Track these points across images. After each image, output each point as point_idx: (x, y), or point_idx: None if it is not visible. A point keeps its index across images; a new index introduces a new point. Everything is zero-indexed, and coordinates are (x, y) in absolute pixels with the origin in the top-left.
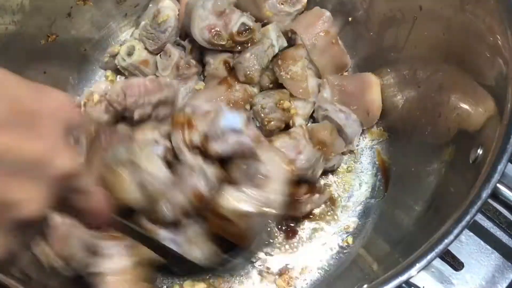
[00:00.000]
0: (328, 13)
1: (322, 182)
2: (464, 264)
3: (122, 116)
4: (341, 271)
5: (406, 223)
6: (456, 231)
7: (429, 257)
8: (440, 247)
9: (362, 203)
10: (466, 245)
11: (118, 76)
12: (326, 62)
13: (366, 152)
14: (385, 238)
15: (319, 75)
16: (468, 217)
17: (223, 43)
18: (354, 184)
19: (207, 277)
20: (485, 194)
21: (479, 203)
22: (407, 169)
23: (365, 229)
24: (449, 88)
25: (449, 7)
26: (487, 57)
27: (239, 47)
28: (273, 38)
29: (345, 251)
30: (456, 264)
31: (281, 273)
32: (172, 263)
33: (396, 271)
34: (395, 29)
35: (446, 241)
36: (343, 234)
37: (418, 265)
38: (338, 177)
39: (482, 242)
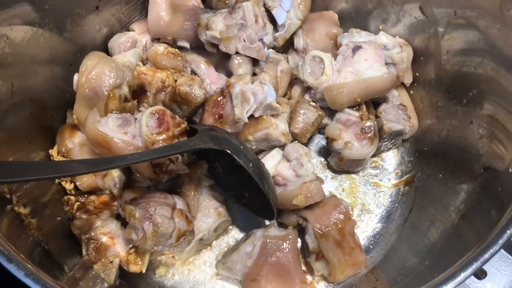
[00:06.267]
0: (345, 203)
1: (347, 182)
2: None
3: None
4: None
5: (433, 231)
6: (501, 241)
7: (474, 265)
8: (492, 250)
9: (385, 206)
10: None
11: None
12: (339, 257)
13: (390, 155)
14: (410, 247)
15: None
16: None
17: None
18: (377, 186)
19: None
20: None
21: None
22: (433, 175)
23: (387, 234)
24: (483, 93)
25: (486, 13)
26: None
27: None
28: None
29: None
30: (479, 272)
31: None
32: None
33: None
34: (427, 34)
35: (492, 250)
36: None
37: (463, 274)
38: (361, 178)
39: (503, 251)
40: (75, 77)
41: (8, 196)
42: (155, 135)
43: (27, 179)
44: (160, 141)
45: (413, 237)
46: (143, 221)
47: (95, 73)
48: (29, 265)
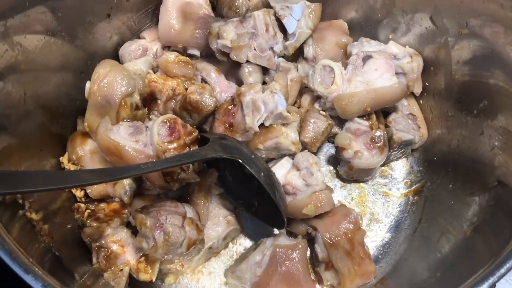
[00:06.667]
0: (355, 212)
1: (356, 191)
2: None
3: None
4: None
5: (443, 242)
6: None
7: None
8: (508, 265)
9: (394, 216)
10: None
11: None
12: (349, 266)
13: (399, 164)
14: (420, 258)
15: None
16: None
17: None
18: (386, 196)
19: None
20: None
21: None
22: (443, 185)
23: (397, 244)
24: (494, 105)
25: (498, 24)
26: None
27: None
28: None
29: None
30: None
31: None
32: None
33: None
34: (437, 44)
35: (508, 265)
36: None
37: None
38: (370, 187)
39: None
40: (87, 85)
41: (20, 201)
42: (166, 143)
43: (38, 190)
44: (171, 150)
45: (423, 248)
46: (154, 229)
47: (107, 81)
48: (43, 275)
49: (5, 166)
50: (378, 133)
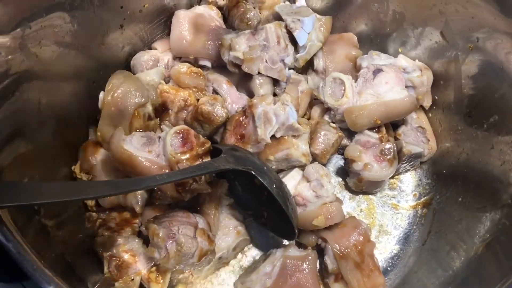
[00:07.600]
0: (365, 224)
1: (364, 203)
2: None
3: None
4: None
5: (453, 256)
6: None
7: None
8: None
9: (403, 228)
10: None
11: None
12: (358, 278)
13: (407, 176)
14: (429, 271)
15: None
16: None
17: None
18: (395, 208)
19: None
20: None
21: None
22: (452, 198)
23: (405, 256)
24: (505, 120)
25: (509, 40)
26: None
27: None
28: None
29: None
30: None
31: None
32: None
33: None
34: (446, 58)
35: None
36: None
37: None
38: (379, 199)
39: None
40: (101, 95)
41: (36, 207)
42: (179, 154)
43: (55, 201)
44: (184, 161)
45: (432, 261)
46: (166, 240)
47: (121, 92)
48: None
49: (23, 173)
50: (388, 145)
